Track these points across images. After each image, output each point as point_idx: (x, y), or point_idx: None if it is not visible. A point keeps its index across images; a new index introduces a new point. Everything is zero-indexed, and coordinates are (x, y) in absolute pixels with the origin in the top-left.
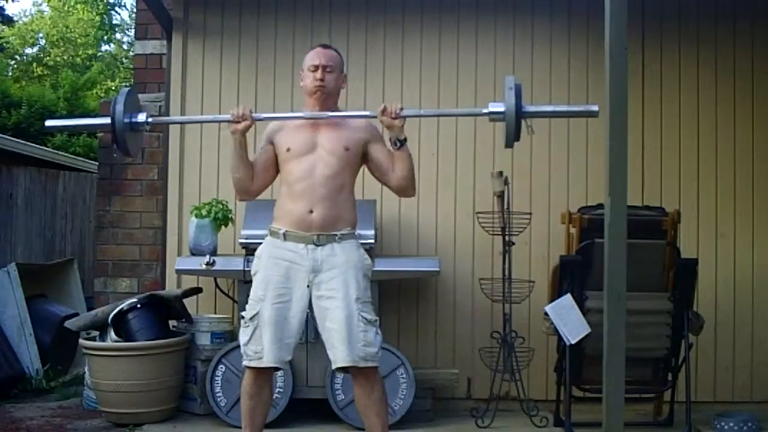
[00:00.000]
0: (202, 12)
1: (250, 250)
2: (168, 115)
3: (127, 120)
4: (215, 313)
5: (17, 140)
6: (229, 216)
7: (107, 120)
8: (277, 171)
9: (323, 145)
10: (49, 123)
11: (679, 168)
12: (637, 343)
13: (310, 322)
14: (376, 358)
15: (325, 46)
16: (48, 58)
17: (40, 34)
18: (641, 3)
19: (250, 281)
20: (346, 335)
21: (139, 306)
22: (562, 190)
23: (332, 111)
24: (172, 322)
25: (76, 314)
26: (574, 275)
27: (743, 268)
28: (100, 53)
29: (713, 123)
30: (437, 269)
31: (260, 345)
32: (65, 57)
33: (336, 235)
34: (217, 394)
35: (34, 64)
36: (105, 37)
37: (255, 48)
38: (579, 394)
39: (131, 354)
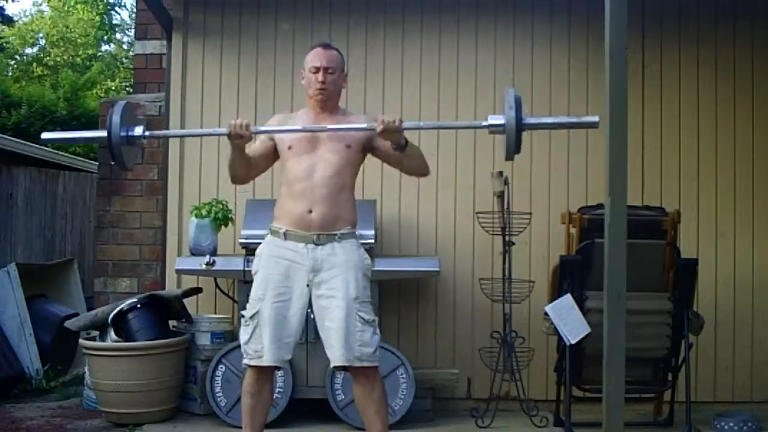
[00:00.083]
0: (202, 12)
1: (250, 250)
2: (168, 115)
3: (123, 134)
4: (215, 313)
5: (17, 140)
6: (229, 216)
7: (104, 133)
8: (276, 158)
9: (325, 143)
10: (45, 136)
11: (679, 168)
12: (637, 343)
13: (310, 322)
14: (373, 358)
15: (325, 46)
16: (48, 58)
17: (40, 34)
18: (641, 3)
19: (250, 281)
20: (343, 334)
21: (139, 306)
22: (562, 190)
23: (333, 111)
24: (172, 322)
25: (76, 314)
26: (574, 275)
27: (743, 268)
28: (100, 53)
29: (713, 123)
30: (437, 269)
31: (260, 344)
32: (65, 57)
33: (336, 234)
34: (217, 394)
35: (34, 64)
36: (105, 37)
37: (255, 48)
38: (579, 394)
39: (131, 354)
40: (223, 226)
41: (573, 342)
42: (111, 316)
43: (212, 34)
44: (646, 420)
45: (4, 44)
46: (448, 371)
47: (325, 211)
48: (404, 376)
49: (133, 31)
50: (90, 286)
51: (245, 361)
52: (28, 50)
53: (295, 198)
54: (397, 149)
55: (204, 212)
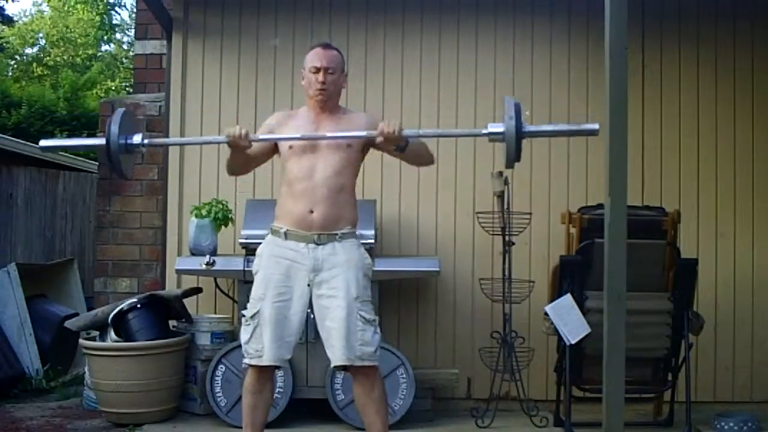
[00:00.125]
0: (202, 12)
1: (250, 250)
2: (168, 115)
3: (122, 142)
4: (215, 313)
5: (17, 140)
6: (229, 216)
7: (102, 141)
8: (276, 152)
9: (325, 143)
10: (43, 143)
11: (679, 168)
12: (637, 343)
13: (310, 322)
14: (374, 357)
15: (326, 46)
16: (48, 58)
17: (40, 34)
18: (641, 3)
19: (250, 281)
20: (344, 334)
21: (139, 306)
22: (562, 190)
23: (334, 111)
24: (172, 322)
25: (76, 314)
26: (574, 275)
27: (743, 268)
28: (100, 53)
29: (713, 123)
30: (437, 269)
31: (261, 343)
32: (65, 57)
33: (337, 234)
34: (217, 394)
35: (34, 64)
36: (105, 37)
37: (255, 48)
38: (579, 394)
39: (131, 354)
40: (223, 226)
41: (573, 342)
42: (111, 316)
43: (212, 34)
44: (646, 420)
45: (4, 44)
46: (448, 371)
47: (326, 211)
48: (404, 376)
49: (133, 31)
50: (90, 286)
51: (246, 360)
52: (28, 50)
53: (295, 198)
54: (398, 150)
55: (204, 212)
